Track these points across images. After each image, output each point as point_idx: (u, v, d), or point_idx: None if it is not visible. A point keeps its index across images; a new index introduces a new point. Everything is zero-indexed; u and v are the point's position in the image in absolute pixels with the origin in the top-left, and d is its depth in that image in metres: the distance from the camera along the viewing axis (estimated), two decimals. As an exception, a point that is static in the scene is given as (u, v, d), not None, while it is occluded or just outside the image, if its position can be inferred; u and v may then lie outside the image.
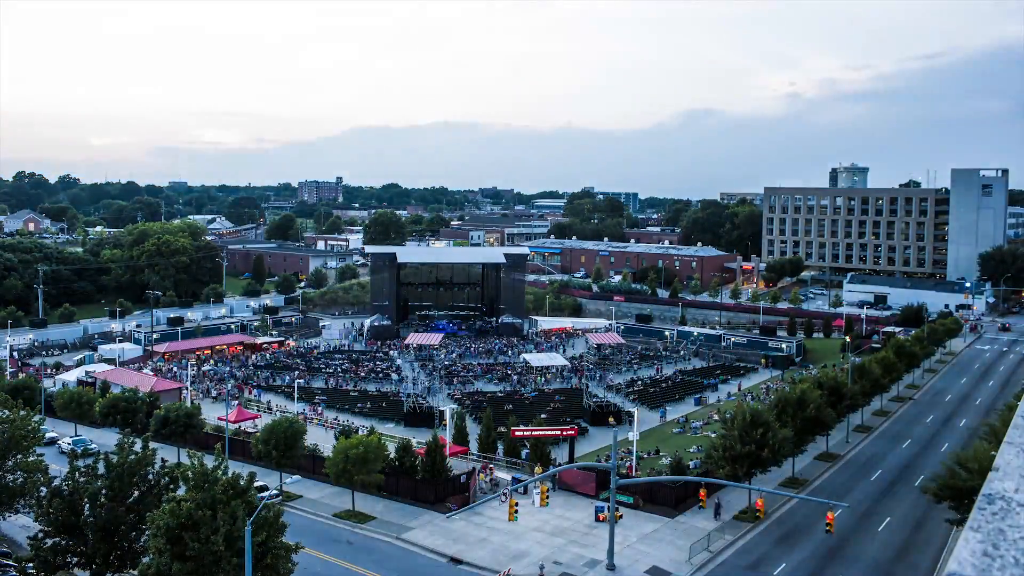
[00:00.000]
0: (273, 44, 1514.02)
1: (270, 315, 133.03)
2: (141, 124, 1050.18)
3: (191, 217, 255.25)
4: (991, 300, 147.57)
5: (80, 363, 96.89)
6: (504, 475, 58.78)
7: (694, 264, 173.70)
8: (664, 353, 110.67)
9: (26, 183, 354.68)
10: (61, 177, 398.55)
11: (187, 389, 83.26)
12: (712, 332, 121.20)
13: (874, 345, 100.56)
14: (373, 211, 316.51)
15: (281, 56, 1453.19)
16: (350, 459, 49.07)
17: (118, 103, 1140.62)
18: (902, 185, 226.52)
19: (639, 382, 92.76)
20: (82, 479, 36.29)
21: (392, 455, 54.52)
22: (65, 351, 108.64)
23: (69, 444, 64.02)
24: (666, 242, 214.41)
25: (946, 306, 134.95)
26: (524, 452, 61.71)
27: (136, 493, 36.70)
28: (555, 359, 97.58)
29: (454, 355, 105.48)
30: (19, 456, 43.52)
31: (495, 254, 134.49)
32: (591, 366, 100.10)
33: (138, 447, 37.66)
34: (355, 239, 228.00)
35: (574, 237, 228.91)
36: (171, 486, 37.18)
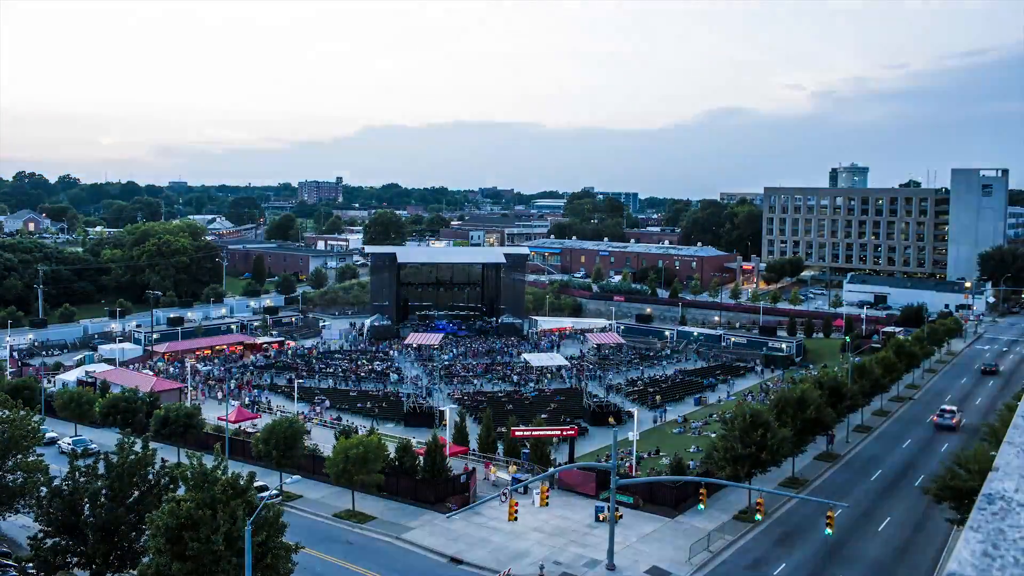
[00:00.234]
0: (273, 44, 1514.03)
1: (270, 315, 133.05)
2: (141, 124, 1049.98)
3: (191, 217, 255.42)
4: (991, 300, 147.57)
5: (80, 363, 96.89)
6: (504, 475, 58.78)
7: (694, 264, 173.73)
8: (664, 353, 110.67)
9: (26, 183, 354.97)
10: (61, 177, 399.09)
11: (190, 388, 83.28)
12: (712, 332, 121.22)
13: (874, 345, 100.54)
14: (373, 211, 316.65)
15: (280, 56, 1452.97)
16: (350, 459, 49.08)
17: (118, 103, 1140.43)
18: (902, 185, 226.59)
19: (639, 382, 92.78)
20: (82, 479, 36.31)
21: (392, 455, 54.53)
22: (65, 351, 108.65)
23: (69, 444, 64.01)
24: (666, 242, 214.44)
25: (946, 306, 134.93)
26: (524, 452, 61.69)
27: (136, 493, 36.72)
28: (555, 359, 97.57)
29: (454, 355, 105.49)
30: (19, 456, 43.53)
31: (495, 254, 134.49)
32: (591, 366, 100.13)
33: (138, 447, 37.67)
34: (355, 239, 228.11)
35: (574, 237, 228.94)
36: (171, 486, 37.19)
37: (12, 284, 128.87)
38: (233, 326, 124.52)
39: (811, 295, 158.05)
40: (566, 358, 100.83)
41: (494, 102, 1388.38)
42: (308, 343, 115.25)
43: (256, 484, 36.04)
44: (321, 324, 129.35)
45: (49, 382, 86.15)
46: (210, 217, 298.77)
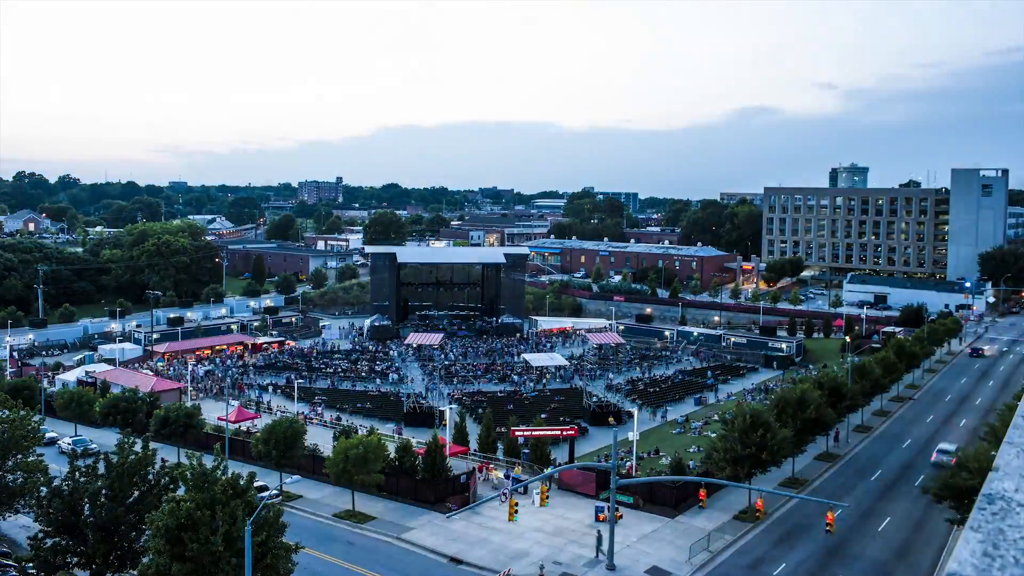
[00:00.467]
0: (273, 44, 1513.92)
1: (270, 315, 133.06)
2: (141, 124, 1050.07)
3: (191, 217, 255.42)
4: (991, 300, 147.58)
5: (80, 363, 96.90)
6: (501, 475, 58.75)
7: (694, 264, 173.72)
8: (664, 353, 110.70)
9: (26, 183, 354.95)
10: (61, 177, 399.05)
11: (190, 388, 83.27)
12: (712, 332, 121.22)
13: (874, 345, 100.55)
14: (373, 211, 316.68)
15: (280, 57, 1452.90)
16: (350, 459, 49.08)
17: (118, 103, 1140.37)
18: (902, 185, 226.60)
19: (639, 382, 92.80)
20: (82, 479, 36.30)
21: (392, 455, 54.54)
22: (65, 351, 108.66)
23: (69, 444, 64.02)
24: (666, 242, 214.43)
25: (946, 306, 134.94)
26: (524, 452, 61.68)
27: (136, 493, 36.71)
28: (555, 359, 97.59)
29: (454, 355, 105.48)
30: (19, 456, 43.51)
31: (495, 254, 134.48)
32: (591, 366, 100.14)
33: (138, 447, 37.67)
34: (355, 239, 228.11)
35: (574, 237, 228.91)
36: (171, 486, 37.18)
37: (12, 284, 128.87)
38: (233, 326, 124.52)
39: (811, 295, 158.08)
40: (566, 358, 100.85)
41: (514, 101, 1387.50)
42: (308, 343, 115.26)
43: (256, 484, 36.05)
44: (321, 324, 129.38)
45: (49, 383, 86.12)
46: (210, 217, 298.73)
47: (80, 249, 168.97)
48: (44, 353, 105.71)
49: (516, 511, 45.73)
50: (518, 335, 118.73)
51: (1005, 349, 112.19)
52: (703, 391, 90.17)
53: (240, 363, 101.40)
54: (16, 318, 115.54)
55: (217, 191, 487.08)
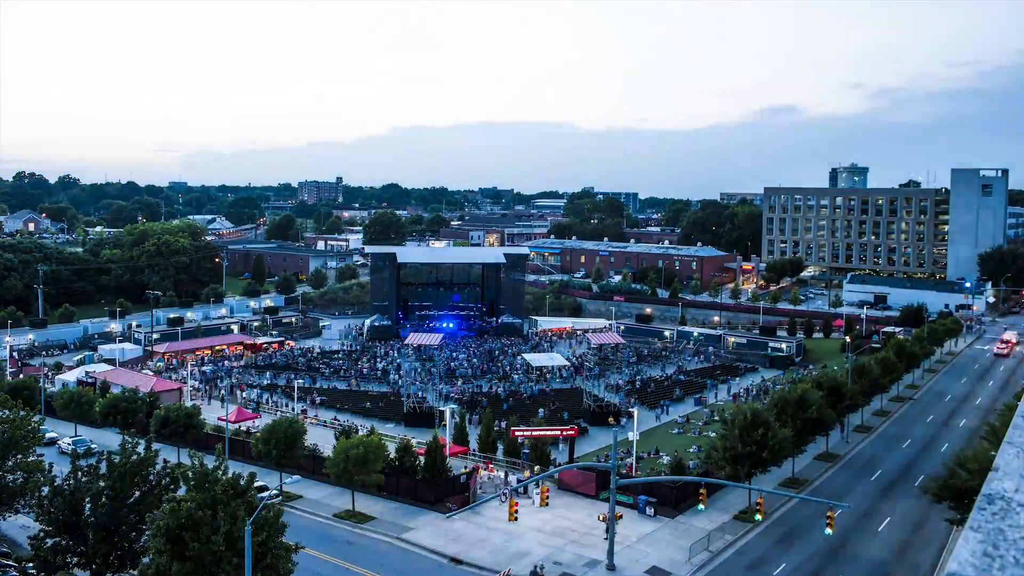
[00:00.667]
0: (273, 44, 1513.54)
1: (270, 315, 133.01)
2: (141, 124, 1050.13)
3: (191, 217, 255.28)
4: (991, 300, 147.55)
5: (80, 363, 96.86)
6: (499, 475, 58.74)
7: (694, 264, 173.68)
8: (664, 353, 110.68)
9: (26, 183, 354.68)
10: (61, 177, 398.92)
11: (190, 388, 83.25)
12: (712, 332, 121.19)
13: (874, 345, 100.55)
14: (373, 211, 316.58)
15: (280, 57, 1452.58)
16: (350, 459, 49.08)
17: (118, 102, 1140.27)
18: (902, 185, 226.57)
19: (639, 381, 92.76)
20: (83, 479, 36.29)
21: (392, 455, 54.53)
22: (65, 351, 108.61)
23: (69, 444, 63.99)
24: (666, 242, 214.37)
25: (946, 306, 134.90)
26: (524, 452, 61.67)
27: (137, 493, 36.69)
28: (555, 359, 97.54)
29: (454, 355, 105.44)
30: (19, 456, 43.50)
31: (495, 254, 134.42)
32: (591, 366, 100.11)
33: (141, 448, 37.66)
34: (355, 239, 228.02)
35: (574, 237, 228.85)
36: (171, 486, 37.18)
37: (12, 284, 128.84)
38: (233, 326, 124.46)
39: (811, 295, 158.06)
40: (566, 358, 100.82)
41: (514, 101, 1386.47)
42: (308, 343, 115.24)
43: (256, 484, 36.04)
44: (321, 324, 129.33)
45: (49, 382, 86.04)
46: (210, 217, 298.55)
47: (80, 249, 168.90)
48: (44, 353, 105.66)
49: (516, 511, 45.74)
50: (518, 335, 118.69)
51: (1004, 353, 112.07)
52: (703, 391, 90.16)
53: (239, 363, 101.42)
54: (16, 318, 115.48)
55: (217, 191, 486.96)
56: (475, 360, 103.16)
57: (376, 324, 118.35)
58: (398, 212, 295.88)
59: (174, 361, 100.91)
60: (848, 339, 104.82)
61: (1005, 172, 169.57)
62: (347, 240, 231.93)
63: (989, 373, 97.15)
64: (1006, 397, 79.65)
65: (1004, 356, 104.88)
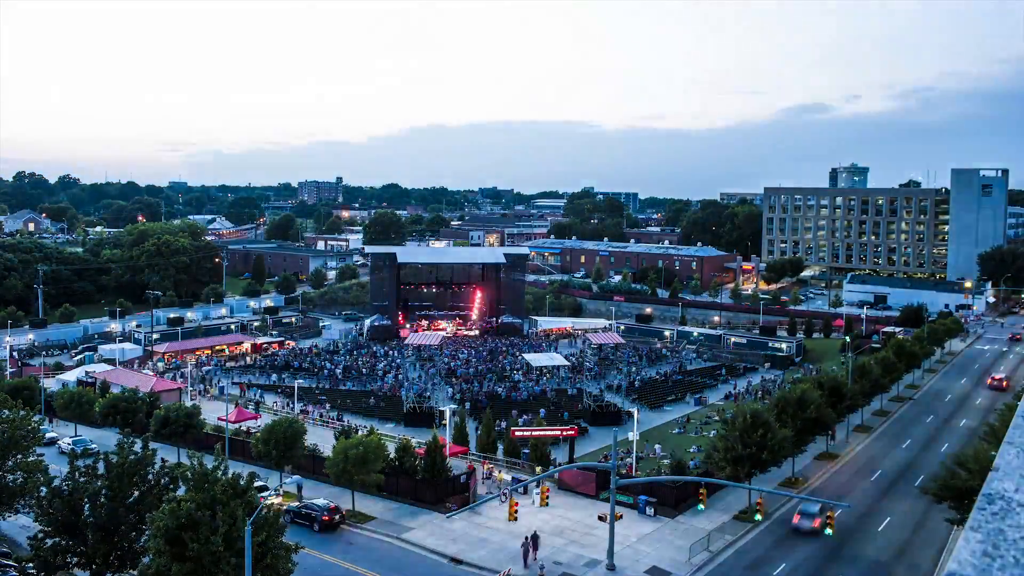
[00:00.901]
0: (273, 44, 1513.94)
1: (270, 315, 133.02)
2: (141, 123, 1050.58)
3: (191, 217, 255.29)
4: (991, 300, 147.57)
5: (80, 363, 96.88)
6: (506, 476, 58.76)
7: (694, 264, 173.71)
8: (664, 353, 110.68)
9: (26, 183, 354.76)
10: (61, 177, 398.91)
11: (190, 388, 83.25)
12: (712, 332, 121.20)
13: (874, 345, 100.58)
14: (373, 211, 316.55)
15: (280, 57, 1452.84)
16: (350, 459, 49.07)
17: (118, 102, 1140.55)
18: (902, 185, 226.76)
19: (639, 381, 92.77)
20: (82, 479, 36.27)
21: (392, 455, 54.53)
22: (65, 351, 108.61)
23: (69, 444, 63.99)
24: (666, 242, 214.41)
25: (946, 306, 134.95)
26: (524, 452, 61.66)
27: (136, 493, 36.68)
28: (555, 359, 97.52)
29: (454, 355, 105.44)
30: (19, 456, 43.50)
31: (495, 254, 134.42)
32: (591, 366, 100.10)
33: (138, 447, 37.65)
34: (355, 239, 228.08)
35: (574, 237, 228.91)
36: (171, 486, 37.17)
37: (12, 284, 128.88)
38: (233, 326, 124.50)
39: (811, 295, 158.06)
40: (566, 358, 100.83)
41: (515, 101, 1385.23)
42: (308, 343, 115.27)
43: (256, 484, 36.05)
44: (321, 324, 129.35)
45: (47, 376, 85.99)
46: (210, 217, 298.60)
47: (80, 249, 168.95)
48: (44, 353, 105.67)
49: (516, 511, 45.74)
50: (518, 335, 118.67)
51: (1005, 349, 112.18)
52: (703, 391, 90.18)
53: (240, 363, 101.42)
54: (16, 318, 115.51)
55: (217, 191, 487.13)
56: (475, 360, 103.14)
57: (376, 324, 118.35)
58: (398, 212, 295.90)
59: (174, 361, 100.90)
60: (848, 339, 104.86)
61: (1005, 172, 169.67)
62: (347, 240, 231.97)
63: (989, 373, 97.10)
64: (1006, 397, 79.65)
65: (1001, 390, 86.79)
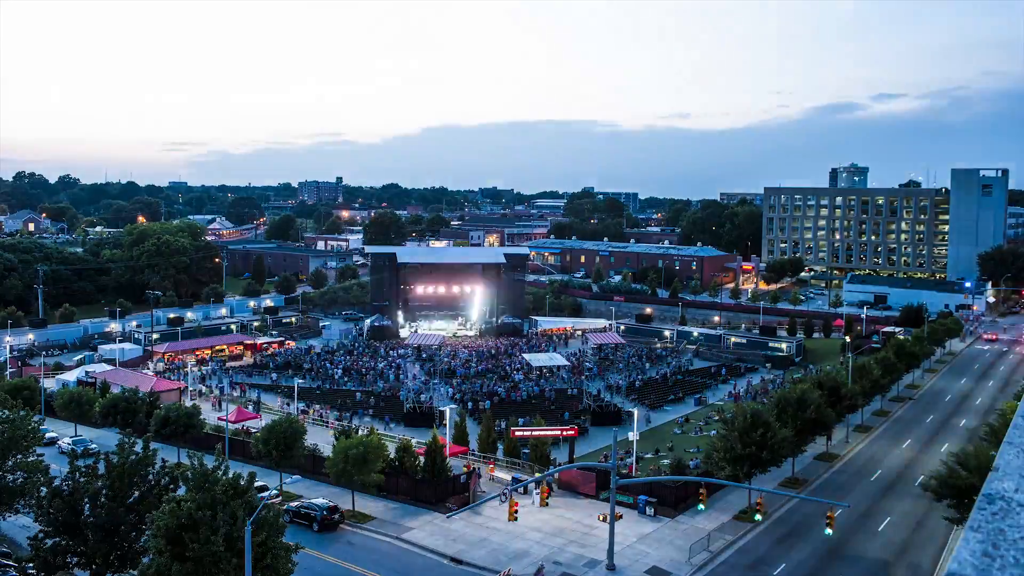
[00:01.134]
0: (273, 44, 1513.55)
1: (270, 315, 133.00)
2: (141, 124, 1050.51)
3: (191, 217, 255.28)
4: (991, 300, 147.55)
5: (80, 363, 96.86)
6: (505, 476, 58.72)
7: (694, 264, 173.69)
8: (664, 353, 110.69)
9: (26, 183, 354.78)
10: (61, 177, 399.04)
11: (190, 388, 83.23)
12: (712, 332, 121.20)
13: (874, 345, 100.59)
14: (373, 211, 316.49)
15: (280, 57, 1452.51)
16: (350, 459, 49.07)
17: (118, 102, 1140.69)
18: (902, 185, 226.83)
19: (639, 381, 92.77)
20: (82, 479, 36.27)
21: (392, 455, 54.52)
22: (65, 351, 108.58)
23: (69, 444, 63.92)
24: (666, 242, 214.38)
25: (946, 306, 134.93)
26: (524, 452, 61.65)
27: (136, 493, 36.68)
28: (555, 359, 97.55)
29: (454, 355, 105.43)
30: (19, 456, 43.50)
31: (495, 254, 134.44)
32: (591, 366, 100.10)
33: (138, 447, 37.65)
34: (355, 239, 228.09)
35: (574, 237, 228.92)
36: (171, 486, 37.17)
37: (12, 284, 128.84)
38: (233, 326, 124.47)
39: (811, 295, 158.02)
40: (566, 358, 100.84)
41: (517, 101, 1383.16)
42: (308, 343, 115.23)
43: (256, 484, 36.05)
44: (321, 324, 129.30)
45: (48, 380, 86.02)
46: (210, 217, 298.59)
47: (80, 249, 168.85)
48: (44, 353, 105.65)
49: (516, 511, 45.72)
50: (518, 335, 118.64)
51: (1005, 349, 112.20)
52: (703, 391, 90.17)
53: (240, 363, 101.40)
54: (16, 318, 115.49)
55: (217, 191, 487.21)
56: (475, 360, 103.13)
57: (376, 324, 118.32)
58: (398, 212, 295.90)
59: (174, 361, 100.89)
60: (848, 339, 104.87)
61: (1005, 172, 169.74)
62: (347, 240, 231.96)
63: (989, 373, 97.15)
64: (1006, 397, 79.67)
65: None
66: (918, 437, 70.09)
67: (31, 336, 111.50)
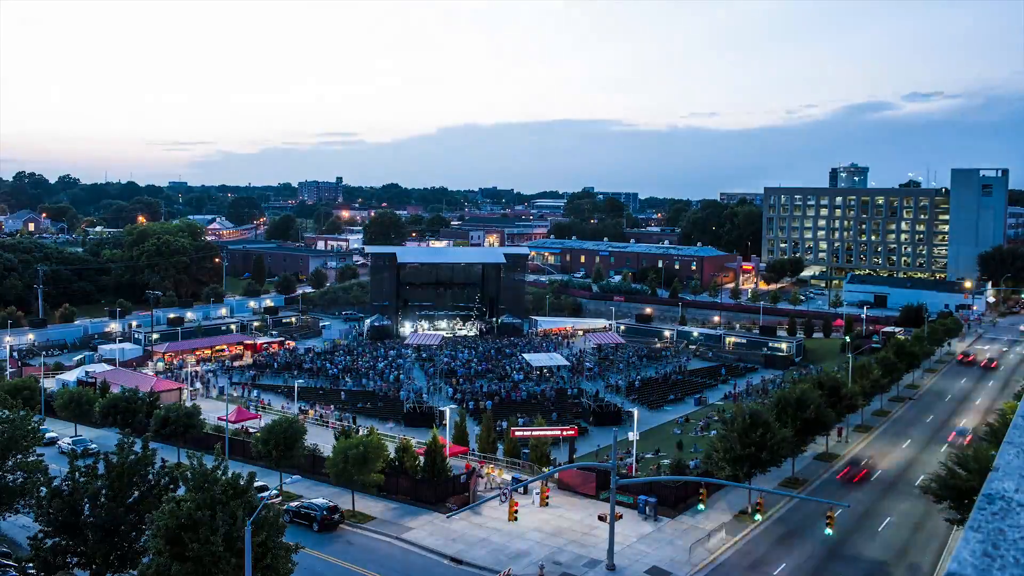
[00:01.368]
0: (273, 44, 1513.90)
1: (270, 315, 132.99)
2: (141, 124, 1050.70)
3: (191, 217, 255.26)
4: (991, 300, 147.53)
5: (80, 363, 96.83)
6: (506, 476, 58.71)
7: (694, 264, 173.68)
8: (664, 353, 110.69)
9: (26, 183, 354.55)
10: (61, 177, 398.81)
11: (189, 388, 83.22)
12: (712, 332, 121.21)
13: (874, 345, 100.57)
14: (373, 211, 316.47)
15: (280, 57, 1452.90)
16: (350, 459, 49.06)
17: (118, 103, 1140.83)
18: (902, 185, 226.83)
19: (639, 381, 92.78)
20: (82, 479, 36.26)
21: (392, 455, 54.52)
22: (65, 351, 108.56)
23: (69, 444, 63.93)
24: (666, 242, 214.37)
25: (946, 306, 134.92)
26: (524, 452, 61.63)
27: (136, 493, 36.67)
28: (555, 359, 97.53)
29: (454, 355, 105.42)
30: (19, 456, 43.49)
31: (495, 254, 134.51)
32: (591, 366, 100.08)
33: (138, 447, 37.64)
34: (355, 239, 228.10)
35: (574, 237, 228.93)
36: (171, 486, 37.16)
37: (12, 284, 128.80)
38: (233, 326, 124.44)
39: (811, 295, 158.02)
40: (566, 358, 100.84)
41: (490, 101, 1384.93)
42: (308, 343, 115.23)
43: (256, 484, 36.05)
44: (321, 324, 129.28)
45: (48, 380, 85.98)
46: (210, 217, 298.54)
47: (80, 249, 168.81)
48: (44, 353, 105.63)
49: (516, 511, 45.72)
50: (518, 335, 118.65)
51: (1005, 349, 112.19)
52: (703, 391, 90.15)
53: (239, 364, 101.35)
54: (16, 318, 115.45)
55: (217, 191, 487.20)
56: (475, 360, 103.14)
57: (376, 324, 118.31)
58: (398, 212, 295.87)
59: (174, 361, 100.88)
60: (848, 339, 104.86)
61: (1005, 172, 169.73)
62: (347, 240, 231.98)
63: (989, 373, 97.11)
64: (1006, 397, 79.65)
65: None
66: (918, 437, 70.09)
67: (31, 336, 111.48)
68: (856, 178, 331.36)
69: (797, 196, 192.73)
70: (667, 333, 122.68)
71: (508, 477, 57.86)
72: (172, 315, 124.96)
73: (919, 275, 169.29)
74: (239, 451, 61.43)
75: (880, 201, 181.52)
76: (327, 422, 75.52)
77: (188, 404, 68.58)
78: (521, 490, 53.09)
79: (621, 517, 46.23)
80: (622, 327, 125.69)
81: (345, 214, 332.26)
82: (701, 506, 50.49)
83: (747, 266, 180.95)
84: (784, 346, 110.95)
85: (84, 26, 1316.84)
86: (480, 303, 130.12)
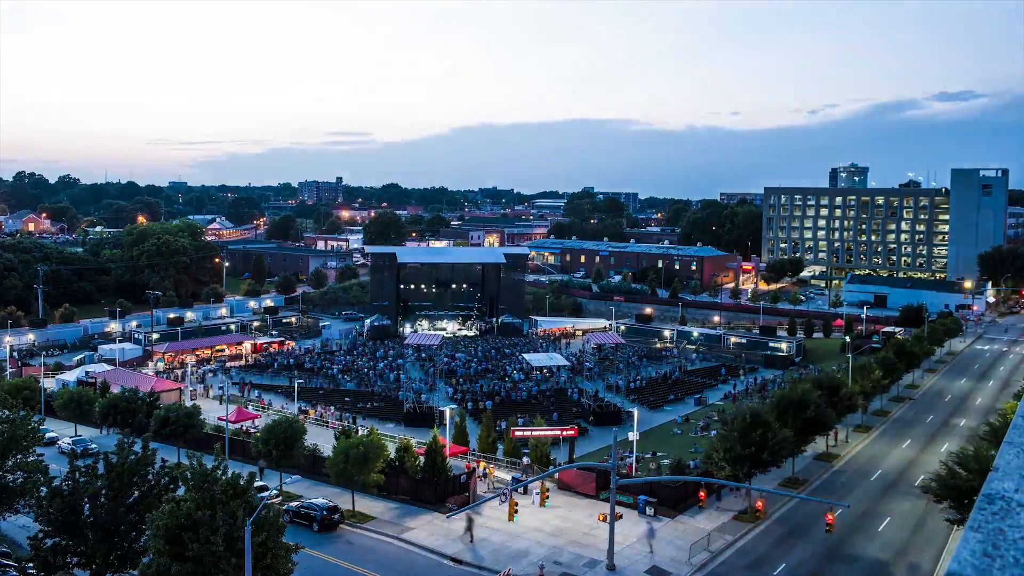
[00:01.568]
0: (273, 44, 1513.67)
1: (270, 315, 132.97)
2: (141, 124, 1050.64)
3: (191, 217, 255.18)
4: (991, 300, 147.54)
5: (80, 363, 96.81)
6: (505, 476, 58.69)
7: (694, 264, 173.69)
8: (664, 353, 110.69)
9: (26, 183, 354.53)
10: (61, 177, 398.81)
11: (189, 388, 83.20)
12: (712, 332, 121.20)
13: (874, 345, 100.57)
14: (373, 211, 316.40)
15: (280, 57, 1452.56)
16: (350, 459, 49.06)
17: (118, 103, 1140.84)
18: (902, 185, 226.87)
19: (639, 380, 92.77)
20: (82, 479, 36.27)
21: (392, 455, 54.51)
22: (65, 351, 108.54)
23: (69, 444, 63.94)
24: (666, 242, 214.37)
25: (946, 306, 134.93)
26: (524, 452, 61.61)
27: (136, 493, 36.67)
28: (555, 359, 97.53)
29: (454, 355, 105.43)
30: (19, 456, 43.48)
31: (495, 254, 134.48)
32: (591, 366, 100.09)
33: (138, 447, 37.64)
34: (355, 239, 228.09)
35: (574, 237, 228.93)
36: (171, 486, 37.16)
37: (12, 284, 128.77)
38: (233, 326, 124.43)
39: (811, 295, 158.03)
40: (566, 358, 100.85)
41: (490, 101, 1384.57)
42: (308, 343, 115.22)
43: (256, 484, 36.05)
44: (321, 324, 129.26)
45: (48, 380, 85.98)
46: (210, 217, 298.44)
47: (80, 249, 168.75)
48: (44, 353, 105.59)
49: (516, 511, 45.71)
50: (518, 335, 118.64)
51: (1005, 349, 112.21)
52: (703, 391, 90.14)
53: (239, 363, 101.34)
54: (16, 318, 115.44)
55: (217, 191, 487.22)
56: (475, 360, 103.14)
57: (376, 324, 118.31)
58: (398, 212, 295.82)
59: (174, 361, 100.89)
60: (848, 339, 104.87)
61: (1005, 172, 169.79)
62: (347, 240, 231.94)
63: (989, 373, 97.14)
64: (1006, 397, 79.64)
65: None
66: (918, 437, 70.08)
67: (31, 336, 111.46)
68: (856, 178, 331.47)
69: (797, 196, 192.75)
70: (667, 333, 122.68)
71: (508, 477, 57.85)
72: (172, 315, 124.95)
73: (919, 275, 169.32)
74: (239, 451, 61.43)
75: (880, 201, 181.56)
76: (327, 422, 75.52)
77: (188, 404, 68.59)
78: (521, 490, 53.08)
79: (621, 517, 46.22)
80: (622, 327, 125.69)
81: (345, 214, 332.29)
82: (701, 506, 50.45)
83: (747, 266, 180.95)
84: (784, 346, 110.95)
85: (84, 26, 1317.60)
86: (480, 303, 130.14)
